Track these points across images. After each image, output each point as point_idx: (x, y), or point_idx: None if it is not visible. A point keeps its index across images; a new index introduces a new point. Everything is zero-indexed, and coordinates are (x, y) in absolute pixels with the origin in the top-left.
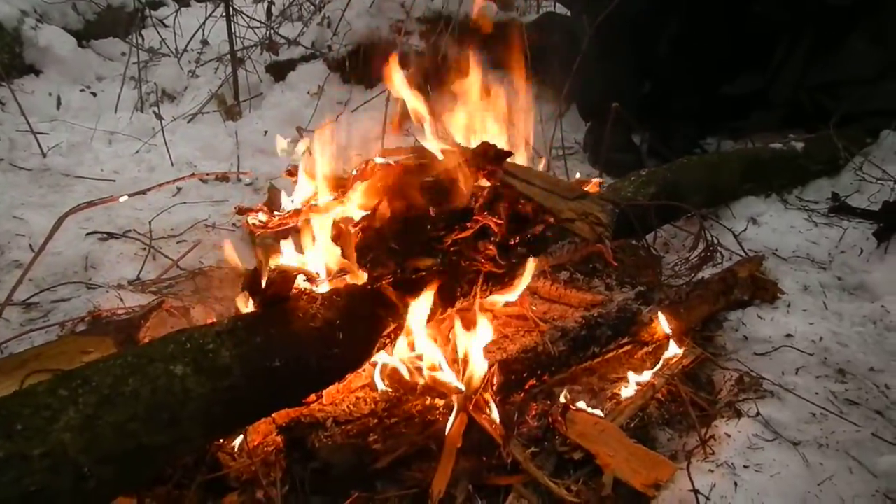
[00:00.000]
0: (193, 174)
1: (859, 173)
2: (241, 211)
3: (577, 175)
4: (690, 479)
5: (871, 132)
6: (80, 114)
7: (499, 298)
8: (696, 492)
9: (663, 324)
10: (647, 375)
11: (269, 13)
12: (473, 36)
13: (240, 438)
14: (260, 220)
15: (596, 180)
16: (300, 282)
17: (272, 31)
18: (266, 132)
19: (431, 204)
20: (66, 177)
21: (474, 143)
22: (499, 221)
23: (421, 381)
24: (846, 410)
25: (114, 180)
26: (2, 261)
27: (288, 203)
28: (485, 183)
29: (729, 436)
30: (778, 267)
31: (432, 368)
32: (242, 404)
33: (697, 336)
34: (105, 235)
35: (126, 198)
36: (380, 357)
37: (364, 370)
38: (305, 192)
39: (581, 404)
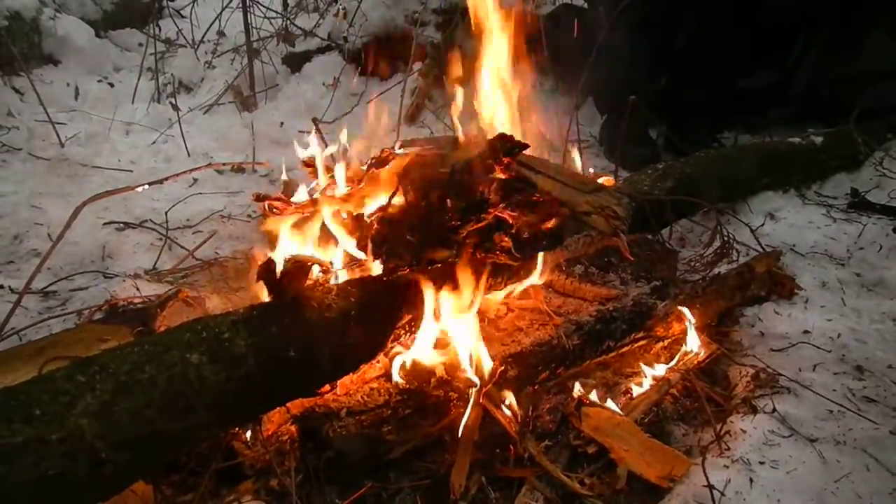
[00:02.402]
0: (209, 165)
1: (879, 169)
2: (259, 198)
3: (591, 169)
4: (705, 474)
5: (891, 127)
6: (98, 104)
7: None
8: (710, 487)
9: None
10: (662, 370)
11: (285, 4)
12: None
13: (254, 427)
14: (276, 209)
15: (607, 177)
16: (315, 272)
17: (288, 22)
18: (282, 123)
19: (447, 195)
20: (84, 167)
21: (491, 135)
22: (514, 213)
23: (436, 374)
24: (864, 408)
25: (131, 171)
26: (20, 249)
27: (304, 193)
28: (501, 175)
29: (744, 432)
30: (795, 263)
31: (448, 361)
32: (257, 393)
33: (713, 331)
34: (122, 225)
35: (143, 188)
36: (395, 348)
37: (378, 361)
38: (322, 182)
39: (595, 398)
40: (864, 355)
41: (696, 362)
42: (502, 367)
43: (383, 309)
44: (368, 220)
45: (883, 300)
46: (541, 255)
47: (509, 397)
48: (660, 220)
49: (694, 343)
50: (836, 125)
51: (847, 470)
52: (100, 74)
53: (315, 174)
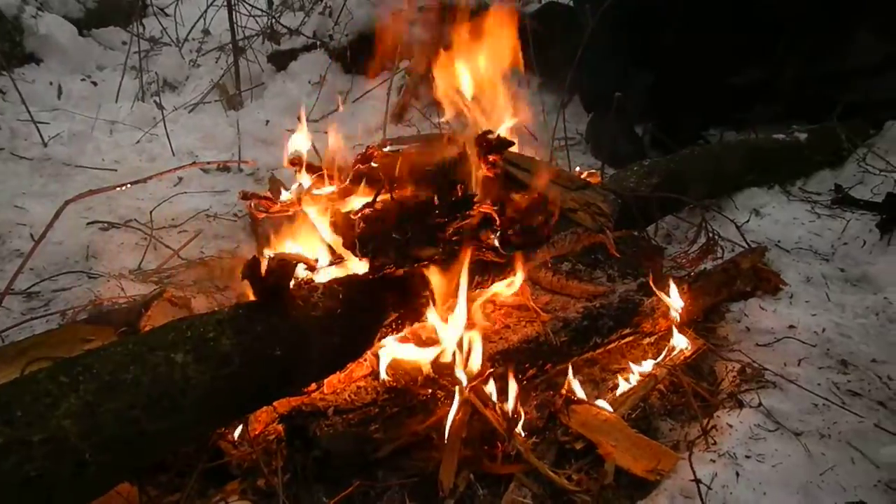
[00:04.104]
0: (194, 164)
1: (863, 165)
2: (245, 196)
3: (579, 167)
4: (692, 468)
5: (874, 123)
6: (81, 103)
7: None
8: (697, 481)
9: (673, 295)
10: (649, 366)
11: (270, 2)
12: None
13: (241, 427)
14: (262, 207)
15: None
16: (301, 271)
17: (274, 21)
18: (267, 122)
19: (433, 193)
20: (67, 166)
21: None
22: (500, 211)
23: (423, 372)
24: (848, 401)
25: (115, 170)
26: (3, 250)
27: (290, 191)
28: (487, 172)
29: (731, 426)
30: (780, 258)
31: (434, 359)
32: (243, 392)
33: (700, 327)
34: (106, 225)
35: (127, 187)
36: (382, 346)
37: (365, 359)
38: (307, 180)
39: (582, 394)
40: (848, 349)
41: (682, 358)
42: (491, 368)
43: (370, 307)
44: (354, 218)
45: (867, 295)
46: None
47: (497, 395)
48: (646, 216)
49: (680, 341)
50: (821, 122)
51: (832, 463)
52: (83, 73)
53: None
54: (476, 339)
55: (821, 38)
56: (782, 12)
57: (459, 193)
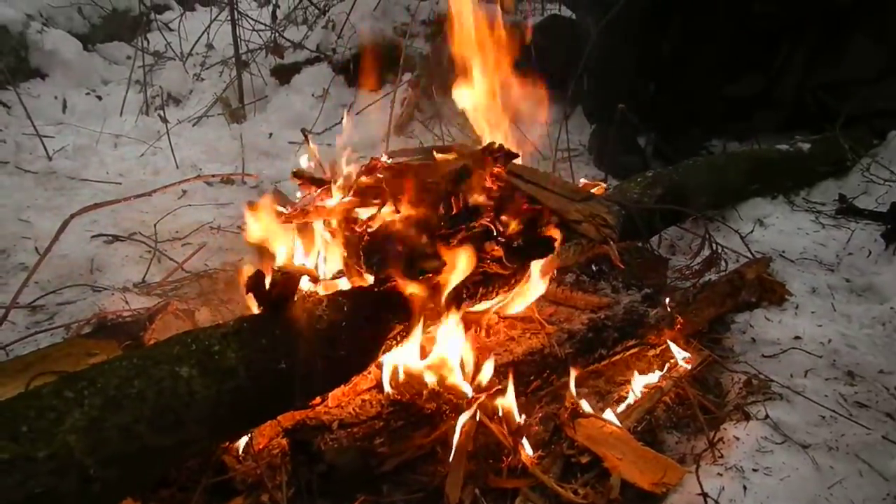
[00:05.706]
0: (199, 176)
1: (866, 175)
2: (252, 208)
3: (583, 178)
4: (699, 482)
5: (877, 133)
6: (86, 117)
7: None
8: (704, 495)
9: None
10: (654, 378)
11: (273, 17)
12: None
13: (245, 441)
14: None
15: (601, 185)
16: (305, 283)
17: (277, 35)
18: (271, 135)
19: (437, 205)
20: (72, 180)
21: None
22: (505, 222)
23: (429, 385)
24: (856, 413)
25: (119, 183)
26: (7, 263)
27: (294, 204)
28: (491, 184)
29: (738, 439)
30: (785, 269)
31: (440, 372)
32: (248, 406)
33: (705, 338)
34: (110, 238)
35: (132, 200)
36: (386, 359)
37: (370, 372)
38: (311, 192)
39: (588, 407)
40: (854, 360)
41: (688, 370)
42: (497, 381)
43: (374, 320)
44: (359, 231)
45: (872, 305)
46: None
47: (502, 408)
48: (649, 227)
49: (678, 354)
50: (823, 131)
51: (840, 476)
52: (88, 87)
53: (306, 186)
54: (478, 350)
55: (818, 46)
56: (781, 21)
57: (464, 205)
